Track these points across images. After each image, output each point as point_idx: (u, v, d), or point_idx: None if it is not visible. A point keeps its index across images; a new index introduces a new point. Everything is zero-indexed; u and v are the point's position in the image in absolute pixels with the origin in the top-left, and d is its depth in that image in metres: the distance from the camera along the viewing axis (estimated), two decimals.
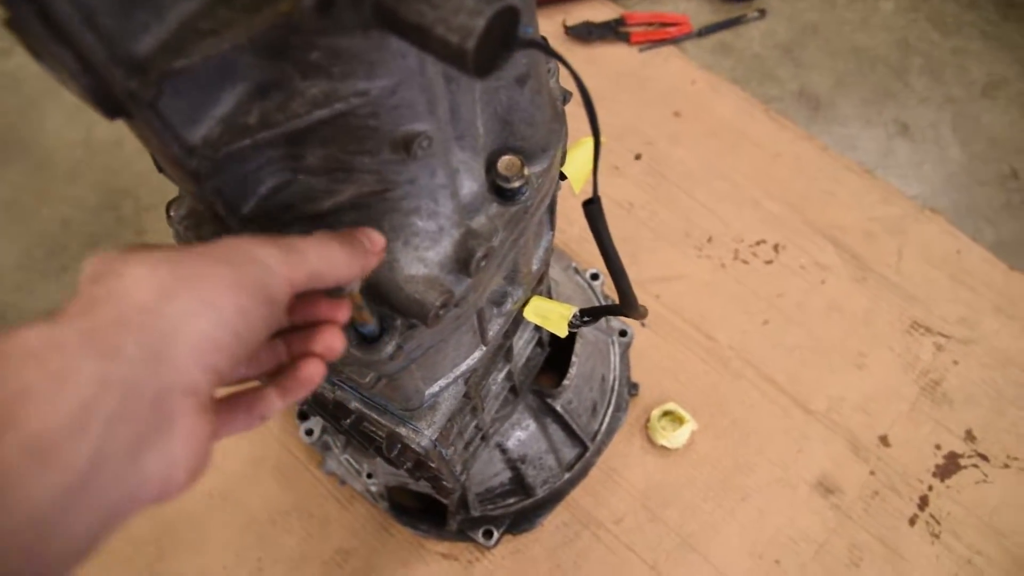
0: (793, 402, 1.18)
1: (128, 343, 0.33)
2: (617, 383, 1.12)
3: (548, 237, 0.70)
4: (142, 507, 0.34)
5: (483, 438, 0.92)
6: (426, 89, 0.42)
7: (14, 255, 1.36)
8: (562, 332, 0.73)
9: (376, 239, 0.45)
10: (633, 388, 1.17)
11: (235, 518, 1.16)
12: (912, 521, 1.10)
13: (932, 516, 1.10)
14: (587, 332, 1.03)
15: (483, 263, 0.50)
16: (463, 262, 0.49)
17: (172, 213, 0.51)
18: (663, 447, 1.14)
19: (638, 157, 1.37)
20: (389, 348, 0.49)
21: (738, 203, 1.32)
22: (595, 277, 1.18)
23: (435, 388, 0.65)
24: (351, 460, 1.08)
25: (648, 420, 1.16)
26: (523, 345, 0.85)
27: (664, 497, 1.13)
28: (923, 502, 1.11)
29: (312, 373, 0.44)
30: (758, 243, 1.29)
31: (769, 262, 1.28)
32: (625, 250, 1.25)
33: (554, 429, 1.03)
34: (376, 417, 0.66)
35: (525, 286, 0.68)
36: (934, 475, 1.13)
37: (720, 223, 1.31)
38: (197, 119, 0.39)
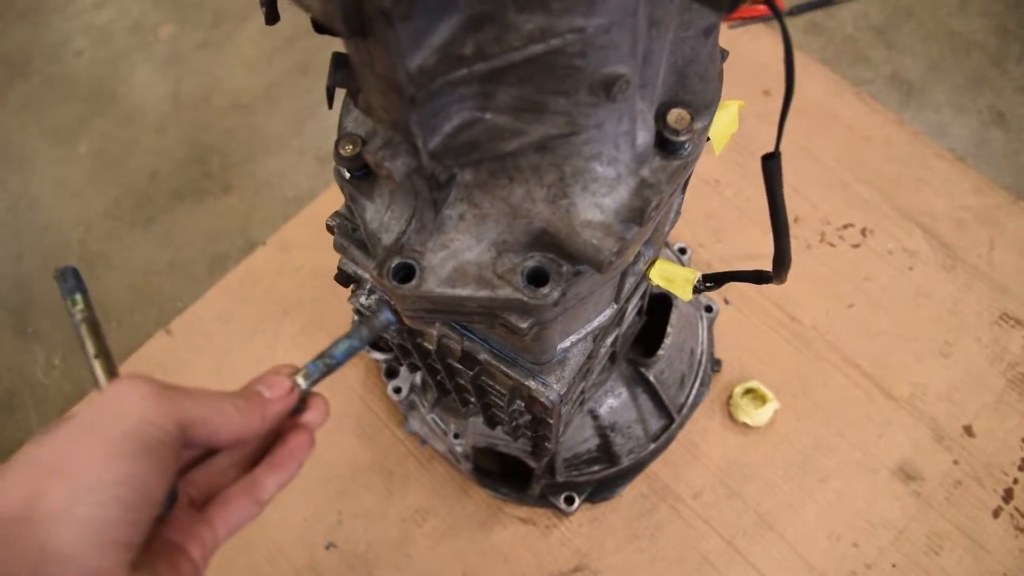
0: (876, 387, 1.17)
1: (3, 559, 0.32)
2: (704, 357, 1.11)
3: (680, 200, 0.70)
4: None
5: (581, 403, 0.92)
6: (633, 31, 0.42)
7: (103, 204, 1.39)
8: (686, 296, 0.73)
9: (276, 385, 0.45)
10: (716, 364, 1.17)
11: (316, 471, 1.18)
12: (996, 513, 1.09)
13: (1017, 509, 1.09)
14: (681, 304, 1.03)
15: (654, 213, 0.50)
16: (638, 211, 0.49)
17: (345, 150, 0.51)
18: (744, 424, 1.14)
19: None
20: (556, 293, 0.50)
21: (826, 185, 1.30)
22: (682, 251, 1.18)
23: (567, 343, 0.66)
24: (437, 420, 1.09)
25: (730, 397, 1.16)
26: (631, 311, 0.85)
27: (743, 474, 1.13)
28: (1008, 495, 1.10)
29: (302, 442, 0.46)
30: (845, 226, 1.28)
31: (856, 246, 1.27)
32: (710, 227, 1.26)
33: (644, 399, 1.03)
34: (505, 369, 0.66)
35: (656, 247, 0.68)
36: (1020, 468, 1.12)
37: (807, 204, 1.29)
38: (418, 46, 0.39)
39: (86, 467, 0.35)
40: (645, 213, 0.49)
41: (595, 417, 0.99)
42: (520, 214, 0.50)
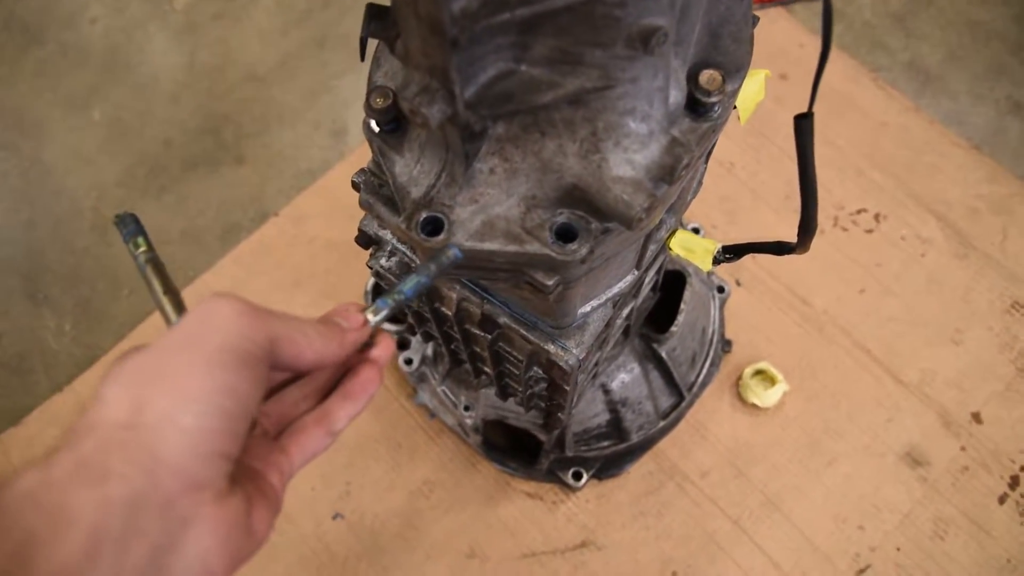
0: (886, 372, 1.17)
1: (115, 463, 0.33)
2: (715, 337, 1.12)
3: (703, 169, 0.70)
4: None
5: (594, 375, 0.92)
6: None
7: (116, 173, 1.39)
8: (706, 266, 0.73)
9: (352, 317, 0.46)
10: (727, 345, 1.17)
11: None
12: (1002, 500, 1.10)
13: (1023, 496, 1.10)
14: (695, 282, 1.03)
15: (684, 172, 0.50)
16: (668, 168, 0.49)
17: (376, 103, 0.51)
18: (753, 405, 1.15)
19: None
20: (584, 250, 0.50)
21: (841, 170, 1.30)
22: (696, 231, 1.17)
23: (587, 308, 0.66)
24: (448, 392, 1.09)
25: (740, 377, 1.16)
26: (647, 284, 0.85)
27: (751, 455, 1.14)
28: (1014, 482, 1.11)
29: (372, 375, 0.47)
30: (859, 211, 1.28)
31: (869, 231, 1.27)
32: (724, 208, 1.26)
33: (655, 376, 1.03)
34: (524, 333, 0.66)
35: (678, 215, 0.68)
36: None
37: (821, 188, 1.27)
38: None
39: (188, 377, 0.36)
40: (676, 171, 0.49)
41: (607, 392, 0.99)
42: (551, 168, 0.50)
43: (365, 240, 0.71)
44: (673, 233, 0.73)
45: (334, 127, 1.37)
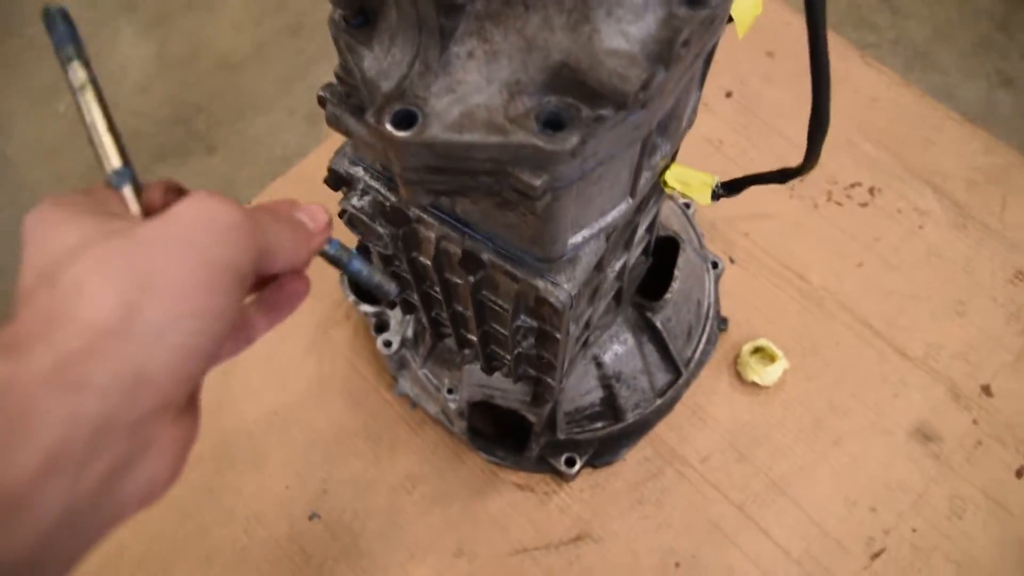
0: (890, 346, 1.12)
1: (96, 375, 0.29)
2: (711, 311, 1.06)
3: (697, 96, 0.65)
4: (121, 523, 0.33)
5: (585, 343, 0.87)
6: None
7: (80, 166, 1.33)
8: (705, 200, 0.69)
9: (319, 216, 0.43)
10: (723, 323, 1.12)
11: (299, 437, 1.11)
12: (1019, 473, 1.04)
13: None
14: (688, 250, 0.98)
15: (683, 50, 0.45)
16: (666, 43, 0.44)
17: None
18: (753, 384, 1.09)
19: (729, 95, 1.32)
20: (574, 138, 0.44)
21: (832, 144, 1.25)
22: (687, 205, 1.13)
23: (578, 239, 0.60)
24: (430, 376, 1.03)
25: (738, 355, 1.10)
26: (638, 240, 0.80)
27: (753, 437, 1.07)
28: None
29: (299, 288, 0.45)
30: (853, 185, 1.24)
31: (864, 205, 1.22)
32: None
33: (650, 350, 0.98)
34: (510, 269, 0.61)
35: (672, 142, 0.63)
36: None
37: None
38: None
39: (186, 291, 0.32)
40: (674, 46, 0.44)
41: (599, 365, 0.93)
42: (536, 46, 0.44)
43: (335, 180, 0.66)
44: (668, 166, 0.69)
45: (310, 113, 1.32)
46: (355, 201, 0.65)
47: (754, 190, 1.26)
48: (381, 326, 1.06)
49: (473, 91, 0.46)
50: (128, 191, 0.39)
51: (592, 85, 0.44)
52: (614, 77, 0.43)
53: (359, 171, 0.65)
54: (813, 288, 1.17)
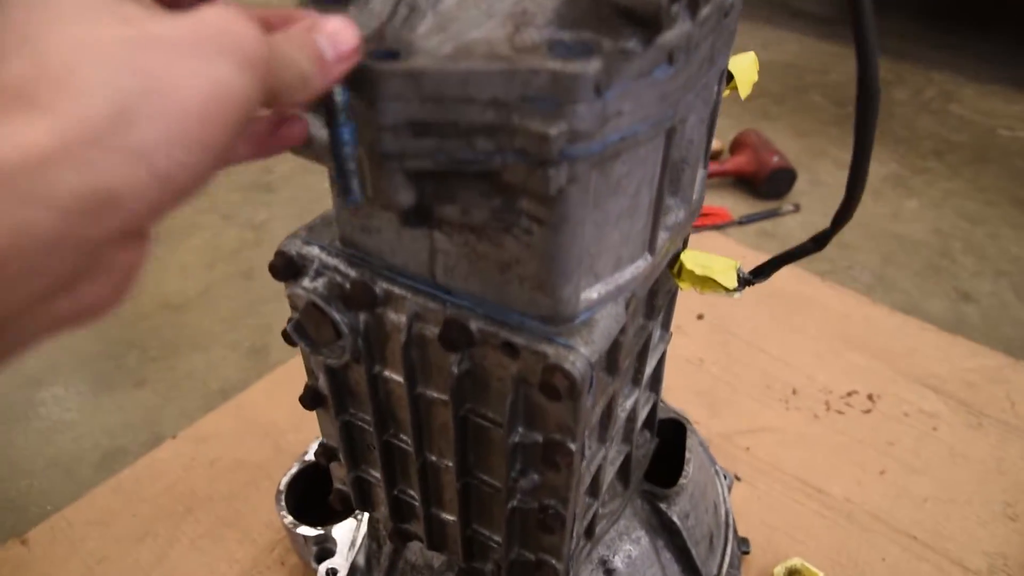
0: (946, 559, 0.93)
1: (61, 187, 0.24)
2: (729, 519, 0.88)
3: (703, 173, 0.59)
4: (51, 339, 0.28)
5: (591, 531, 0.68)
6: None
7: None
8: (731, 283, 0.59)
9: (343, 38, 0.34)
10: (743, 544, 0.93)
11: None
12: None
13: None
14: (694, 443, 0.84)
15: None
16: None
17: None
18: None
19: (700, 317, 1.28)
20: (597, 64, 0.36)
21: (817, 355, 1.20)
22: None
23: (593, 294, 0.48)
24: None
25: None
26: (643, 402, 0.68)
27: None
28: None
29: (298, 131, 0.40)
30: (849, 394, 1.14)
31: (867, 411, 1.12)
32: (703, 403, 1.15)
33: (668, 559, 0.78)
34: (507, 336, 0.47)
35: (687, 208, 0.56)
36: None
37: (802, 375, 1.17)
38: None
39: (188, 112, 0.27)
40: None
41: (609, 572, 0.73)
42: None
43: (285, 265, 0.54)
44: (684, 246, 0.61)
45: (254, 347, 1.21)
46: (307, 283, 0.53)
47: (744, 406, 1.16)
48: (323, 554, 0.83)
49: (470, 27, 0.39)
50: None
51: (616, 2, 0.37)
52: None
53: (314, 250, 0.54)
54: (837, 500, 1.00)
